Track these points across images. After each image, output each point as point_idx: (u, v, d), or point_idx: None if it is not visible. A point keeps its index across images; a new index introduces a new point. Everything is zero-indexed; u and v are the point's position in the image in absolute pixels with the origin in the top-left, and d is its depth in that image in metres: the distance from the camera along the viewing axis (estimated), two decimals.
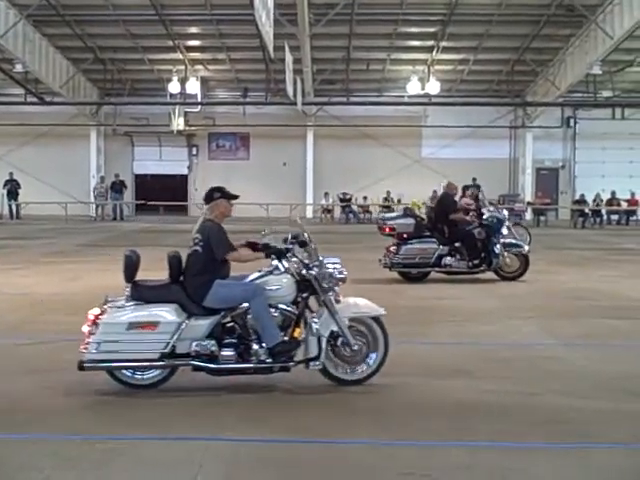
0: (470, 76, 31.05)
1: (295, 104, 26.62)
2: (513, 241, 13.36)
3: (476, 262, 12.79)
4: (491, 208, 13.84)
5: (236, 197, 6.64)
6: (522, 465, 4.70)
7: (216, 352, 6.14)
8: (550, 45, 27.47)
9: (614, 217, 30.49)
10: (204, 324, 6.17)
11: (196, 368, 6.20)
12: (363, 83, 32.14)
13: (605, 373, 6.88)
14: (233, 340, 6.25)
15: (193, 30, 27.48)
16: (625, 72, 29.59)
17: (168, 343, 6.07)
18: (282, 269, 6.34)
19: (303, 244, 6.46)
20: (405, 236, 13.20)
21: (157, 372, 6.27)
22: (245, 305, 6.21)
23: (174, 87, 30.24)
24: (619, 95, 31.54)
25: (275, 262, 6.35)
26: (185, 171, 34.45)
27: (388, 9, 24.84)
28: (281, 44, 20.84)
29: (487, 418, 5.61)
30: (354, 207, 31.51)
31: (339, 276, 6.42)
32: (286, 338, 6.23)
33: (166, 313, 6.11)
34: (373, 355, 6.42)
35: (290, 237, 6.54)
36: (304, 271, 6.33)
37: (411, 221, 13.47)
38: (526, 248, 13.21)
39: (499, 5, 23.97)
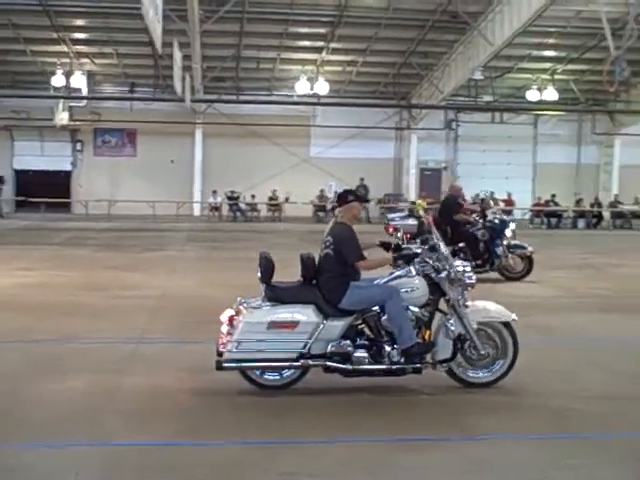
0: (358, 77, 31.61)
1: (183, 101, 26.37)
2: (517, 243, 13.48)
3: (479, 263, 12.86)
4: (495, 211, 14.17)
5: (368, 200, 6.82)
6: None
7: (351, 353, 6.18)
8: (435, 50, 28.31)
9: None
10: (339, 325, 6.20)
11: (329, 369, 6.21)
12: (253, 82, 32.17)
13: None
14: (365, 342, 6.30)
15: (79, 22, 26.69)
16: (505, 78, 30.89)
17: (307, 343, 6.11)
18: (414, 272, 6.38)
19: (433, 248, 6.52)
20: (409, 236, 13.59)
21: (290, 373, 6.28)
22: (376, 308, 6.26)
23: (58, 80, 29.28)
24: (498, 100, 32.87)
25: (413, 265, 6.38)
26: (69, 167, 33.45)
27: (279, 9, 24.96)
28: (170, 40, 20.65)
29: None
30: (242, 205, 31.48)
31: (468, 281, 6.44)
32: (419, 340, 6.27)
33: (305, 313, 6.15)
34: (501, 360, 6.49)
35: (420, 241, 6.65)
36: (434, 274, 6.38)
37: (414, 222, 13.69)
38: (530, 249, 13.34)
39: (387, 9, 24.50)
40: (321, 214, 31.16)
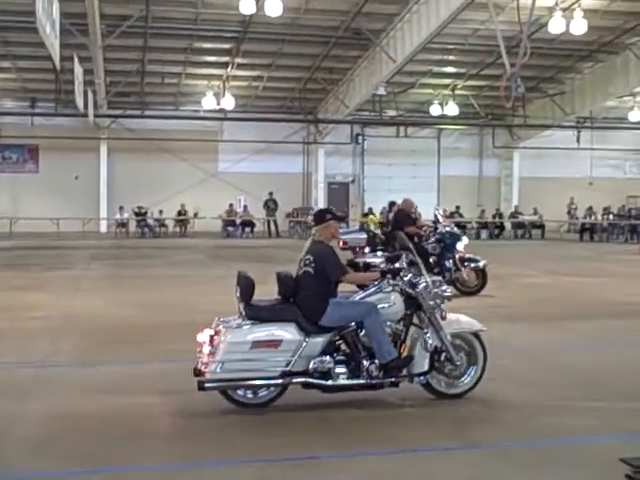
0: (265, 92, 31.77)
1: (86, 116, 25.89)
2: (470, 256, 13.37)
3: None
4: (446, 224, 14.12)
5: (344, 219, 6.74)
6: None
7: (332, 369, 6.26)
8: (340, 65, 28.72)
9: None
10: (319, 342, 6.27)
11: (309, 385, 6.28)
12: (159, 96, 31.90)
13: None
14: (343, 357, 6.38)
15: None
16: (408, 93, 31.65)
17: (290, 361, 6.14)
18: (389, 288, 6.48)
19: (412, 263, 6.66)
20: (357, 249, 13.60)
21: (269, 391, 6.31)
22: (353, 324, 6.36)
23: None
24: (403, 114, 33.61)
25: (387, 281, 6.49)
26: None
27: (183, 24, 24.82)
28: (71, 54, 20.24)
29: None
30: (150, 221, 31.09)
31: (445, 294, 6.60)
32: (397, 355, 6.37)
33: (288, 332, 6.18)
34: (472, 370, 6.64)
35: (404, 257, 6.68)
36: (411, 289, 6.47)
37: (363, 235, 14.05)
38: (482, 263, 13.23)
39: (291, 25, 24.71)
40: (230, 229, 31.08)
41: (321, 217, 6.75)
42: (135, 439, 5.56)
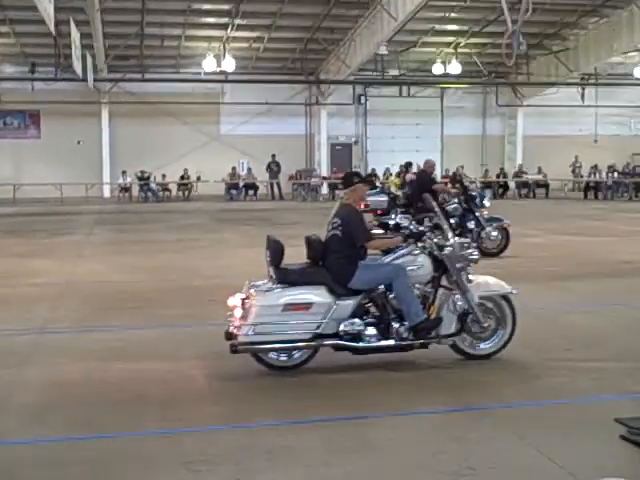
0: (265, 54, 31.44)
1: (86, 80, 25.70)
2: (494, 216, 13.24)
3: None
4: (472, 186, 14.00)
5: (372, 182, 6.85)
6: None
7: (362, 331, 6.30)
8: (340, 25, 28.37)
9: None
10: (349, 304, 6.32)
11: (340, 348, 6.34)
12: (158, 59, 31.62)
13: None
14: (373, 320, 6.42)
15: None
16: (410, 52, 31.28)
17: (320, 323, 6.21)
18: (418, 250, 6.56)
19: (437, 226, 6.74)
20: (379, 212, 13.37)
21: (302, 353, 6.37)
22: (382, 287, 6.42)
23: None
24: (405, 74, 33.27)
25: (416, 243, 6.59)
26: None
27: None
28: (68, 17, 20.04)
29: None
30: (153, 185, 31.01)
31: (471, 257, 6.64)
32: (427, 316, 6.44)
33: (318, 294, 6.25)
34: (501, 332, 6.68)
35: (427, 220, 6.77)
36: (437, 252, 6.55)
37: (384, 197, 13.81)
38: (506, 222, 13.11)
39: None
40: (233, 192, 31.00)
41: (349, 180, 6.76)
42: (136, 405, 5.59)
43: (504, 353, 6.70)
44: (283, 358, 6.39)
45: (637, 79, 32.73)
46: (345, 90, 33.44)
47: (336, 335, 6.29)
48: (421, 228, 6.79)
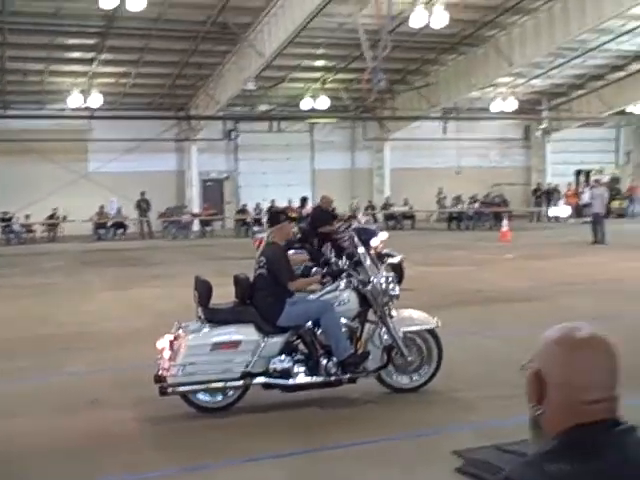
0: (133, 89, 31.03)
1: None
2: (388, 251, 13.27)
3: None
4: (364, 219, 13.72)
5: (296, 219, 6.90)
6: None
7: (291, 368, 6.37)
8: (209, 60, 28.39)
9: None
10: (278, 342, 6.40)
11: (270, 386, 6.40)
12: (22, 95, 30.60)
13: None
14: (302, 357, 6.51)
15: None
16: (279, 87, 31.63)
17: (249, 362, 6.25)
18: (343, 286, 6.71)
19: (358, 264, 6.89)
20: None
21: (231, 393, 6.38)
22: (309, 323, 6.52)
23: None
24: (275, 109, 33.64)
25: (341, 279, 6.75)
26: None
27: (42, 19, 23.86)
28: None
29: None
30: (15, 227, 29.77)
31: (392, 293, 6.79)
32: (354, 351, 6.53)
33: (246, 332, 6.31)
34: (426, 365, 6.86)
35: (346, 257, 7.00)
36: (361, 287, 6.70)
37: None
38: (399, 257, 13.16)
39: (156, 20, 24.19)
40: (102, 231, 30.24)
41: (275, 218, 7.03)
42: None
43: (364, 385, 6.79)
44: (212, 399, 6.36)
45: (494, 113, 34.40)
46: (215, 125, 33.45)
47: (266, 373, 6.36)
48: (336, 267, 7.03)
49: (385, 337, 6.66)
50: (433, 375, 6.87)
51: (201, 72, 29.50)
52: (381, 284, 6.75)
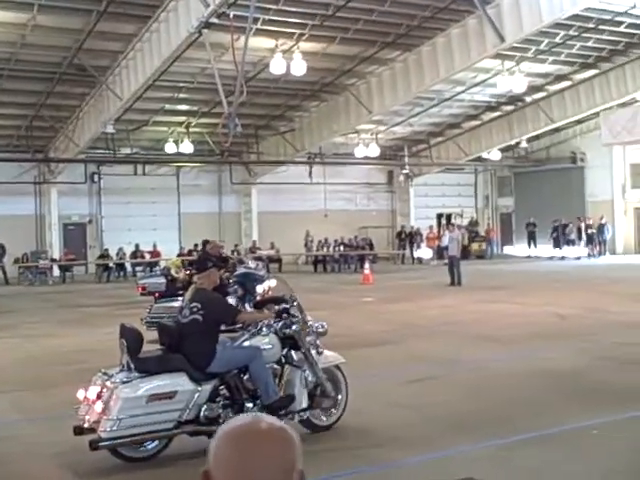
0: None
1: None
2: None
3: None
4: (251, 265, 13.31)
5: (224, 267, 6.47)
6: None
7: (221, 415, 6.32)
8: (67, 102, 27.65)
9: (139, 269, 31.52)
10: (208, 389, 6.35)
11: (197, 433, 6.29)
12: None
13: None
14: (227, 402, 6.48)
15: None
16: (142, 130, 31.19)
17: (184, 411, 6.18)
18: (266, 330, 6.74)
19: (294, 301, 7.11)
20: (157, 295, 13.03)
21: (156, 444, 6.24)
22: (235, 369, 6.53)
23: None
24: (138, 152, 33.09)
25: (265, 321, 6.82)
26: None
27: None
28: None
29: None
30: None
31: (321, 330, 7.08)
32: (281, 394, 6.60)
33: (181, 383, 6.20)
34: (339, 399, 7.08)
35: (290, 298, 7.06)
36: (287, 329, 6.76)
37: (162, 280, 13.62)
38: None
39: (9, 60, 23.42)
40: None
41: (203, 265, 7.36)
42: None
43: None
44: (141, 450, 6.26)
45: (358, 158, 35.17)
46: (77, 168, 32.49)
47: (195, 421, 6.30)
48: (284, 306, 7.09)
49: (310, 379, 6.83)
50: (344, 410, 7.11)
51: (60, 114, 28.69)
52: (310, 322, 7.05)
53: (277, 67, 22.78)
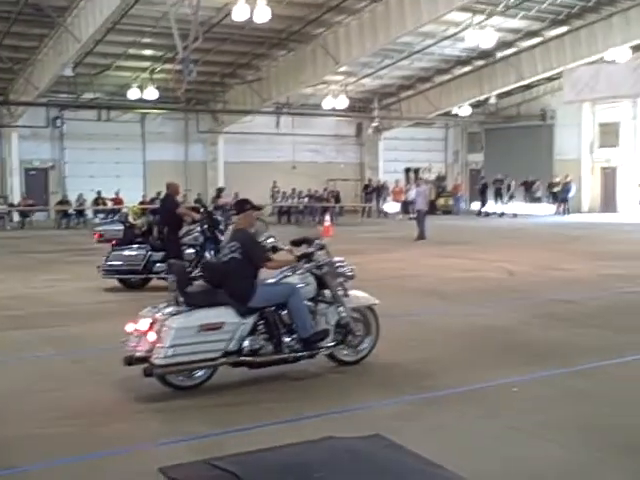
0: None
1: None
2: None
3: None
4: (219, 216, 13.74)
5: (261, 208, 6.77)
6: None
7: (261, 347, 6.83)
8: (25, 44, 26.86)
9: (101, 215, 31.05)
10: (249, 322, 6.79)
11: (239, 364, 6.80)
12: None
13: None
14: (266, 335, 6.91)
15: None
16: (105, 75, 30.43)
17: (230, 342, 6.64)
18: (302, 270, 7.17)
19: (322, 247, 7.44)
20: (114, 242, 12.82)
21: (203, 372, 6.70)
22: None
23: None
24: (102, 97, 32.41)
25: (303, 264, 7.19)
26: None
27: None
28: None
29: None
30: None
31: (348, 274, 7.47)
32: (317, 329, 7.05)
33: (228, 314, 6.67)
34: (367, 339, 7.54)
35: (316, 241, 7.45)
36: (318, 270, 7.21)
37: (120, 227, 13.55)
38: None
39: None
40: None
41: (241, 207, 7.37)
42: None
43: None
44: (189, 378, 6.66)
45: (326, 110, 34.73)
46: (38, 112, 31.84)
47: (238, 352, 6.72)
48: (309, 250, 7.40)
49: (343, 315, 7.24)
50: (372, 349, 7.56)
51: (18, 55, 27.85)
52: (338, 267, 7.38)
53: (240, 13, 22.16)
